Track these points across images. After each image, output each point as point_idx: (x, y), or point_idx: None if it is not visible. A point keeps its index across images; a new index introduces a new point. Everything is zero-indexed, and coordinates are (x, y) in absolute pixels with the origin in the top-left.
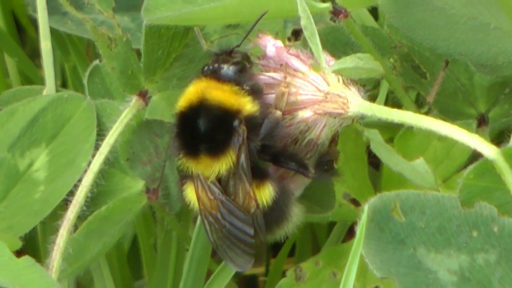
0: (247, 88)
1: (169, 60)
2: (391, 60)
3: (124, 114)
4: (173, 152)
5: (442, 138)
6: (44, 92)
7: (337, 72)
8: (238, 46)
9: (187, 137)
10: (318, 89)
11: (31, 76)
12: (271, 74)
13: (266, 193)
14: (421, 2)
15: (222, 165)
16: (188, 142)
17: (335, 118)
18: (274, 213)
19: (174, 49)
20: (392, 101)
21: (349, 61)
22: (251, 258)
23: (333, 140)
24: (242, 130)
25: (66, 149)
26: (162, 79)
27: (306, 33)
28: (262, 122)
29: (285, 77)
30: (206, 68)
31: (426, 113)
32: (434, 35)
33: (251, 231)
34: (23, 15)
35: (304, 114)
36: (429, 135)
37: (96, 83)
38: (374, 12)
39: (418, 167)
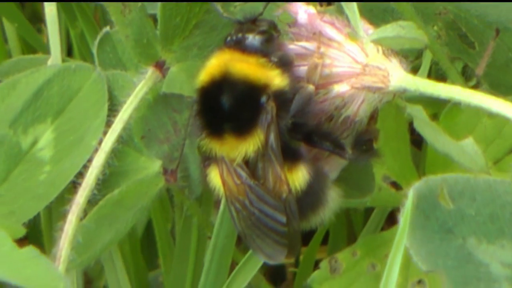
0: (275, 60)
1: (189, 27)
2: (435, 28)
3: (139, 88)
4: (194, 131)
5: (493, 115)
6: (49, 62)
7: (376, 41)
8: (261, 13)
9: (210, 115)
10: (355, 61)
11: (32, 42)
12: (303, 43)
13: (299, 177)
14: None
15: (249, 146)
16: (211, 121)
17: (374, 93)
18: (309, 198)
19: (194, 15)
20: (436, 73)
21: (389, 30)
22: (283, 249)
23: (372, 117)
24: (270, 107)
25: (74, 126)
26: (181, 49)
27: None
28: (292, 98)
29: (319, 47)
30: (229, 38)
31: (475, 87)
32: (483, 1)
33: (283, 219)
34: None
35: (340, 88)
36: (479, 111)
37: (107, 52)
38: None
39: (467, 148)
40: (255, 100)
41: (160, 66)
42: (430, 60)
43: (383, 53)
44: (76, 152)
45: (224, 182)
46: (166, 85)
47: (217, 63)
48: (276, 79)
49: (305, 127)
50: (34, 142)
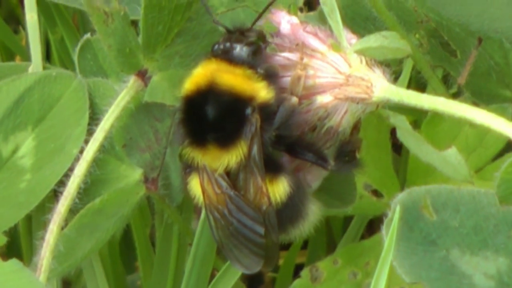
0: (262, 71)
1: (171, 36)
2: (417, 36)
3: (121, 96)
4: (176, 139)
5: (475, 124)
6: (30, 69)
7: (359, 52)
8: (253, 24)
9: (194, 124)
10: (338, 71)
11: (9, 45)
12: (286, 54)
13: (280, 189)
14: None
15: (232, 158)
16: (194, 130)
17: (357, 103)
18: (289, 211)
19: (176, 23)
20: (417, 81)
21: (373, 40)
22: (260, 259)
23: (356, 127)
24: (255, 119)
25: (54, 134)
26: (163, 57)
27: (325, 9)
28: (277, 110)
29: (302, 58)
30: (216, 47)
31: (456, 95)
32: (466, 11)
33: (261, 230)
34: None
35: (324, 99)
36: (460, 120)
37: (88, 59)
38: None
39: (450, 158)
40: (240, 111)
41: (142, 74)
42: (411, 68)
43: (366, 63)
44: (57, 160)
45: (204, 191)
46: (148, 94)
47: (203, 72)
48: (262, 92)
49: (289, 138)
50: (15, 150)
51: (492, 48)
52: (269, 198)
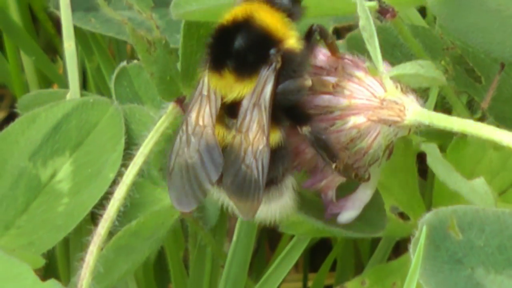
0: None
1: None
2: (443, 62)
3: (160, 122)
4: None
5: (499, 148)
6: (68, 96)
7: (395, 77)
8: None
9: (220, 50)
10: (373, 95)
11: (48, 74)
12: (326, 77)
13: (273, 137)
14: (474, 4)
15: (243, 89)
16: (218, 55)
17: (390, 126)
18: (270, 170)
19: None
20: (442, 106)
21: (409, 67)
22: (195, 203)
23: (389, 151)
24: (276, 61)
25: (91, 159)
26: None
27: (364, 34)
28: (297, 71)
29: (339, 81)
30: None
31: (480, 120)
32: (488, 38)
33: (215, 177)
34: (40, 9)
35: (357, 119)
36: (485, 144)
37: (124, 86)
38: (422, 9)
39: (478, 187)
40: (266, 47)
41: (181, 101)
42: (437, 93)
43: (401, 89)
44: (94, 185)
45: (192, 114)
46: None
47: (243, 7)
48: (292, 39)
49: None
50: (53, 175)
51: None
52: (267, 138)
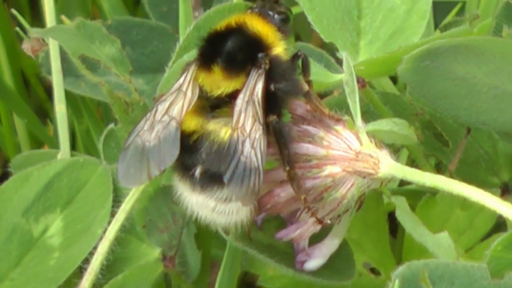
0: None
1: None
2: (412, 127)
3: None
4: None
5: (465, 207)
6: (59, 156)
7: (371, 132)
8: None
9: (212, 49)
10: (349, 147)
11: (39, 136)
12: (305, 126)
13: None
14: (441, 72)
15: (229, 86)
16: (210, 54)
17: (364, 177)
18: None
19: None
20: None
21: (384, 124)
22: (138, 184)
23: (360, 202)
24: (264, 63)
25: (81, 215)
26: None
27: (346, 89)
28: (285, 77)
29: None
30: (251, 9)
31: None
32: (455, 105)
33: (164, 166)
34: (32, 75)
35: (333, 169)
36: (452, 203)
37: (112, 147)
38: (393, 76)
39: (442, 241)
40: (255, 50)
41: None
42: (407, 156)
43: (375, 144)
44: (83, 240)
45: (169, 105)
46: (165, 178)
47: (237, 16)
48: (280, 48)
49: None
50: (45, 230)
51: (482, 138)
52: (263, 127)
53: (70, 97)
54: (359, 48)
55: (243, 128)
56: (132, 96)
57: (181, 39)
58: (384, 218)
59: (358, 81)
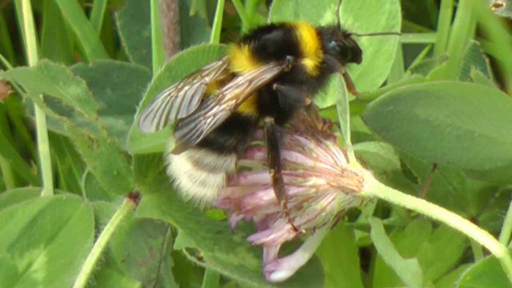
0: (326, 65)
1: (162, 164)
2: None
3: (115, 216)
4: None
5: (433, 239)
6: (42, 194)
7: (358, 152)
8: (357, 35)
9: (255, 34)
10: (336, 163)
11: (24, 175)
12: (298, 137)
13: (249, 110)
14: (405, 116)
15: (248, 68)
16: (251, 36)
17: (347, 193)
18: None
19: None
20: (382, 205)
21: (372, 146)
22: (154, 129)
23: (337, 219)
24: (287, 65)
25: (64, 250)
26: (155, 181)
27: (338, 108)
28: (300, 85)
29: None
30: (320, 27)
31: (416, 217)
32: (421, 146)
33: (181, 115)
34: (17, 117)
35: (318, 181)
36: (421, 236)
37: (93, 184)
38: None
39: (411, 266)
40: (287, 51)
41: (134, 196)
42: None
43: (361, 164)
44: (66, 274)
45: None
46: (138, 211)
47: (295, 21)
48: (311, 62)
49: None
50: (29, 265)
51: (450, 175)
52: (235, 107)
53: (53, 137)
54: (328, 89)
55: (224, 94)
56: (99, 134)
57: (152, 80)
58: (355, 252)
59: (324, 122)
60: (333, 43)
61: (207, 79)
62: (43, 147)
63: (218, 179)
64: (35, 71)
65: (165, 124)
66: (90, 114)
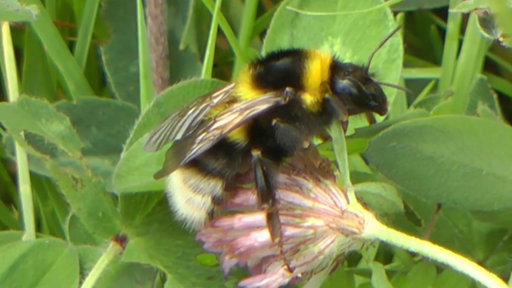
0: (331, 102)
1: (151, 205)
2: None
3: (101, 260)
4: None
5: (437, 285)
6: (24, 238)
7: (359, 193)
8: (380, 83)
9: (265, 58)
10: (336, 204)
11: (3, 219)
12: (295, 177)
13: (240, 137)
14: (409, 152)
15: (247, 95)
16: (261, 61)
17: (347, 236)
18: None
19: (156, 193)
20: (384, 248)
21: (373, 187)
22: (155, 149)
23: (336, 263)
24: (283, 98)
25: None
26: (143, 224)
27: (336, 147)
28: (295, 123)
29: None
30: (341, 62)
31: (420, 261)
32: (425, 185)
33: (179, 137)
34: None
35: (316, 222)
36: (424, 281)
37: (78, 228)
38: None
39: None
40: (288, 81)
41: (121, 240)
42: None
43: (362, 205)
44: None
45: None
46: (124, 255)
47: (312, 50)
48: (310, 97)
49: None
50: None
51: (455, 217)
52: (223, 135)
53: (35, 179)
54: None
55: (215, 121)
56: (83, 173)
57: (140, 116)
58: None
59: (323, 161)
60: (344, 83)
61: (215, 101)
62: (24, 188)
63: (204, 201)
64: (15, 107)
65: (165, 143)
66: (74, 153)
